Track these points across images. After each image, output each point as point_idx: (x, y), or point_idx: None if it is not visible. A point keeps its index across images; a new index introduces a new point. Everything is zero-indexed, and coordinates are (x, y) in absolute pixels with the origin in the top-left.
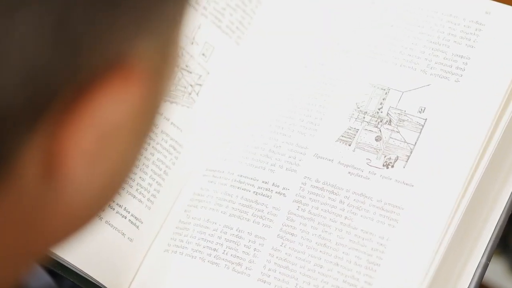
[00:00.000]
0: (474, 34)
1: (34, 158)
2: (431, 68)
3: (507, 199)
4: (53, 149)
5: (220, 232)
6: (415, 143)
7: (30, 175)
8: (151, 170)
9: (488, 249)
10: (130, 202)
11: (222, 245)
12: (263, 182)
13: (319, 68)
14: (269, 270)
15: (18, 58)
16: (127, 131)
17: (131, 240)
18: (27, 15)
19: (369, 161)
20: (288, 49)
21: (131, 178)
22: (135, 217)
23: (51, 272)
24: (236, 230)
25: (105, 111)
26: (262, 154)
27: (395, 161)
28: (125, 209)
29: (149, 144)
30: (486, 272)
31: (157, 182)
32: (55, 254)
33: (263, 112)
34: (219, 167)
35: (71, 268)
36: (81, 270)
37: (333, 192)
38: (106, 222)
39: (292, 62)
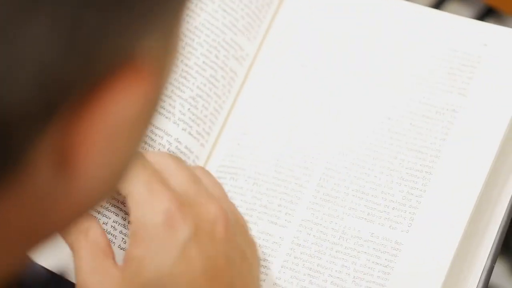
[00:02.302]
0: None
1: (47, 154)
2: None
3: (508, 202)
4: (66, 145)
5: None
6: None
7: (42, 170)
8: None
9: (493, 252)
10: None
11: None
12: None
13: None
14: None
15: (33, 57)
16: (136, 125)
17: None
18: (41, 15)
19: None
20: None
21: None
22: None
23: None
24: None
25: (116, 108)
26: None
27: None
28: None
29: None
30: None
31: None
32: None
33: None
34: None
35: None
36: None
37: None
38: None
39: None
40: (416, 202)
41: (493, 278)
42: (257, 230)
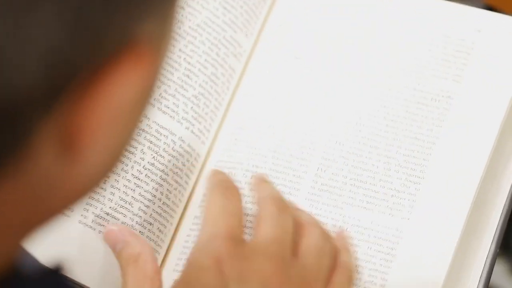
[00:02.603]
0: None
1: (52, 135)
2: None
3: (509, 186)
4: (71, 126)
5: None
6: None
7: (46, 151)
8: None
9: (496, 237)
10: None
11: None
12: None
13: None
14: None
15: (40, 40)
16: (137, 105)
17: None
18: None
19: None
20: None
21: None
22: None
23: None
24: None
25: (119, 90)
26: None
27: None
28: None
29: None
30: None
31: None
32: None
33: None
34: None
35: None
36: None
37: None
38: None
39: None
40: (414, 189)
41: (493, 278)
42: None
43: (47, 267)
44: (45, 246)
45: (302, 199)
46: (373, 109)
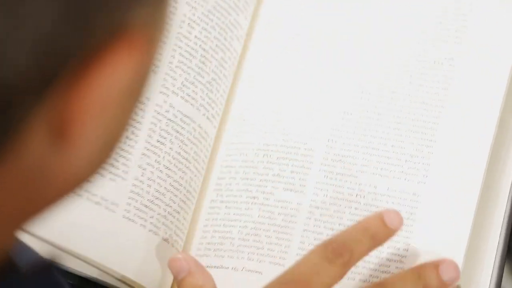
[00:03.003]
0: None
1: (44, 122)
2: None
3: None
4: (63, 113)
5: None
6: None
7: (39, 139)
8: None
9: (509, 207)
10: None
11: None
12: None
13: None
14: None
15: (31, 26)
16: (129, 94)
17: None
18: None
19: None
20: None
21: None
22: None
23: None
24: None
25: (111, 78)
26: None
27: None
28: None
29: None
30: None
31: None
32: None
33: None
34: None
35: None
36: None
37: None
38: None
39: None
40: (428, 153)
41: None
42: (274, 199)
43: (42, 259)
44: (91, 241)
45: (316, 171)
46: (378, 77)
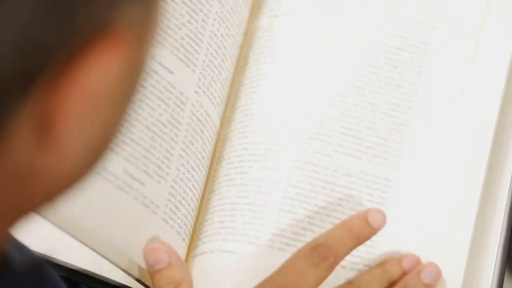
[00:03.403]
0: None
1: (28, 120)
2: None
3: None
4: (46, 113)
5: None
6: None
7: (23, 137)
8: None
9: (510, 197)
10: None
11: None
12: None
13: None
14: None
15: (13, 22)
16: (115, 93)
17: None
18: None
19: None
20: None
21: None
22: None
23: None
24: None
25: (95, 75)
26: None
27: None
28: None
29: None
30: None
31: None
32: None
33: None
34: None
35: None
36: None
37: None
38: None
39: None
40: (399, 137)
41: None
42: (250, 178)
43: (36, 256)
44: (133, 244)
45: (292, 149)
46: (355, 55)
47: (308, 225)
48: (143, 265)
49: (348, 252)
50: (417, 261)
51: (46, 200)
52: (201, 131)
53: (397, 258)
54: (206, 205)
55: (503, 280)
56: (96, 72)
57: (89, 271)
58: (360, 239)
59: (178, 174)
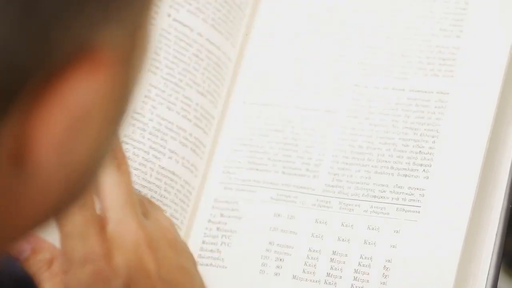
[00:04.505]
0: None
1: (4, 145)
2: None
3: None
4: (23, 135)
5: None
6: None
7: (1, 163)
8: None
9: (508, 192)
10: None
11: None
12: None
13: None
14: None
15: None
16: (97, 119)
17: None
18: None
19: None
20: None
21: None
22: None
23: None
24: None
25: (74, 96)
26: None
27: None
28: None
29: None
30: None
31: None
32: None
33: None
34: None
35: None
36: None
37: None
38: None
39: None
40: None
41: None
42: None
43: (24, 272)
44: None
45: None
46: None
47: None
48: None
49: None
50: None
51: (24, 230)
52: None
53: None
54: None
55: (498, 277)
56: (75, 92)
57: None
58: None
59: None
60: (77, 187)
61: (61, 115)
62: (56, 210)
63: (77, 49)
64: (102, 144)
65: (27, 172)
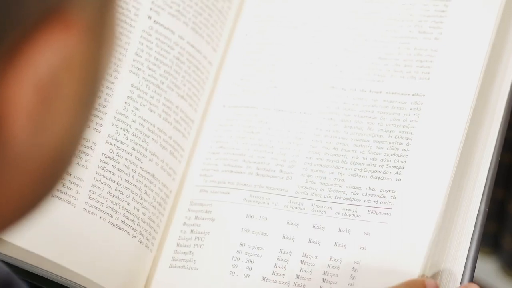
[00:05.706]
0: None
1: None
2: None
3: (494, 143)
4: None
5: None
6: None
7: None
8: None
9: (485, 196)
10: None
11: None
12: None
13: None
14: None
15: None
16: (66, 91)
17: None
18: None
19: None
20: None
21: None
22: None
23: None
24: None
25: (41, 57)
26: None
27: None
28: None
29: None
30: (477, 271)
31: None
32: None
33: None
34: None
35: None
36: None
37: None
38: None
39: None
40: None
41: (483, 276)
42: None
43: (6, 273)
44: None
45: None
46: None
47: None
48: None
49: None
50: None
51: (10, 220)
52: None
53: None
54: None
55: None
56: (43, 55)
57: (51, 277)
58: None
59: None
60: (52, 173)
61: (30, 76)
62: (32, 199)
63: (47, 13)
64: (75, 127)
65: (2, 141)
